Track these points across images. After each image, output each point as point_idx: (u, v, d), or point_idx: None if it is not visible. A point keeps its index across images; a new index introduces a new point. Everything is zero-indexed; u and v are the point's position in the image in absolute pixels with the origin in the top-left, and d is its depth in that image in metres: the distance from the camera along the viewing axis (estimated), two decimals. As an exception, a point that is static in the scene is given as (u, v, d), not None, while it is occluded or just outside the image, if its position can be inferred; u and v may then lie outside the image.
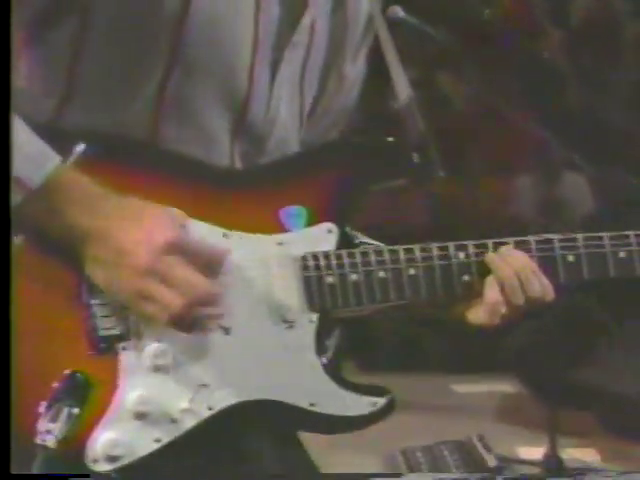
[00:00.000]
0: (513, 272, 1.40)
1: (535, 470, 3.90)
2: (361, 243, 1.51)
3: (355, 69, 1.52)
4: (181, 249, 1.28)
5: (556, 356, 4.15)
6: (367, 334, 5.48)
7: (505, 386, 5.15)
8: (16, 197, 1.25)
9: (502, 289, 1.40)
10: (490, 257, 1.41)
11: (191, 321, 1.29)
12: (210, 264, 1.30)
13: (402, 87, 1.43)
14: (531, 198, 6.11)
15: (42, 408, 1.26)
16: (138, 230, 1.28)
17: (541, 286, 1.41)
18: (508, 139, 6.36)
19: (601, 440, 4.34)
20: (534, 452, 4.03)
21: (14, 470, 1.25)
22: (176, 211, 1.31)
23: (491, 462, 3.91)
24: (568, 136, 3.99)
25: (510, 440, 4.32)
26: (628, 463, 3.96)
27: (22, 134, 1.28)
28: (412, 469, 3.90)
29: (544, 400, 4.19)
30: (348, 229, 1.42)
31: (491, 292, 1.40)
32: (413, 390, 5.15)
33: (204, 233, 1.34)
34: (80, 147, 1.31)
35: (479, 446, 4.04)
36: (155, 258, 1.26)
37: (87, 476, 1.33)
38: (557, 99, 6.51)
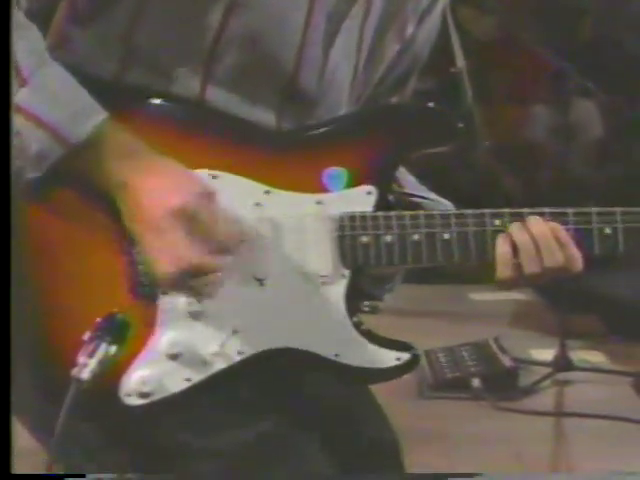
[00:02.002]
0: (529, 238, 1.35)
1: (546, 369, 3.95)
2: (418, 197, 1.50)
3: (422, 32, 1.47)
4: (191, 217, 1.26)
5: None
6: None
7: (519, 294, 5.15)
8: (58, 151, 1.24)
9: (517, 253, 1.35)
10: (512, 224, 1.36)
11: (182, 287, 1.28)
12: (219, 241, 1.28)
13: (459, 54, 1.41)
14: (546, 124, 6.10)
15: (84, 339, 1.26)
16: (160, 187, 1.26)
17: (565, 256, 1.35)
18: (526, 69, 6.34)
19: (607, 343, 4.37)
20: (545, 353, 4.07)
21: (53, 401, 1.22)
22: (207, 184, 1.29)
23: (506, 362, 3.93)
24: (583, 65, 3.97)
25: (523, 343, 4.34)
26: (633, 364, 4.01)
27: (68, 87, 1.27)
28: (434, 368, 3.94)
29: (555, 306, 4.22)
30: (391, 191, 1.39)
31: (501, 248, 1.36)
32: (435, 299, 5.21)
33: (247, 190, 1.32)
34: (142, 101, 1.32)
35: (495, 348, 4.07)
36: (162, 217, 1.25)
37: (82, 476, 1.33)
38: (573, 30, 6.47)
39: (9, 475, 1.26)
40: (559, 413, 3.65)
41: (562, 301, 4.05)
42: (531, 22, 6.27)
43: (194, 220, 1.26)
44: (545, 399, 3.78)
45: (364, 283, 1.39)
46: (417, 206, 1.47)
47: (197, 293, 1.29)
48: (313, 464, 1.35)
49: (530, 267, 1.35)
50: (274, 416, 1.35)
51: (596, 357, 4.22)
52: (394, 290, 1.43)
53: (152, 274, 1.27)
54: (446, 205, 1.49)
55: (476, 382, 3.75)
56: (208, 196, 1.28)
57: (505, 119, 6.48)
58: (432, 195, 1.52)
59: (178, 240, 1.25)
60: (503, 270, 1.36)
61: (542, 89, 6.28)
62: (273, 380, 1.35)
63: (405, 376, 4.16)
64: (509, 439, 3.41)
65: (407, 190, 1.51)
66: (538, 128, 6.15)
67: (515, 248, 1.36)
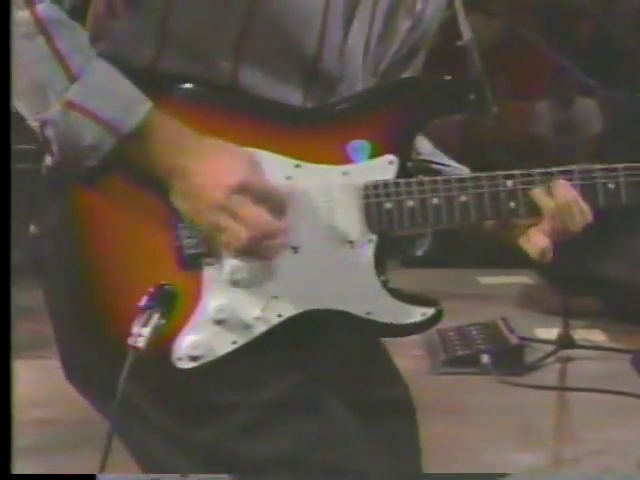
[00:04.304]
0: (557, 207, 1.35)
1: (550, 347, 3.97)
2: (435, 163, 1.50)
3: (430, 8, 1.48)
4: (251, 190, 1.27)
5: (570, 252, 4.17)
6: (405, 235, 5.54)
7: (524, 278, 5.20)
8: (109, 141, 1.25)
9: (546, 222, 1.35)
10: (537, 192, 1.36)
11: (257, 251, 1.29)
12: (275, 205, 1.29)
13: (465, 27, 1.40)
14: (549, 119, 6.09)
15: (140, 305, 1.27)
16: (216, 168, 1.27)
17: (582, 216, 1.36)
18: (530, 67, 6.33)
19: (608, 323, 4.39)
20: (549, 332, 4.09)
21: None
22: (253, 156, 1.31)
23: (513, 340, 3.95)
24: (583, 63, 3.95)
25: (529, 322, 4.36)
26: (631, 342, 4.02)
27: (115, 81, 1.28)
28: (446, 346, 3.97)
29: (558, 288, 4.25)
30: (410, 159, 1.38)
31: (539, 238, 1.36)
32: (446, 282, 5.20)
33: (279, 164, 1.33)
34: (179, 86, 1.32)
35: (503, 327, 4.09)
36: (228, 196, 1.26)
37: (93, 476, 1.33)
38: (574, 29, 6.46)
39: (9, 475, 1.24)
40: (562, 387, 3.69)
41: (565, 284, 4.08)
42: (534, 22, 6.26)
43: (254, 191, 1.28)
44: (549, 375, 3.81)
45: (397, 244, 1.39)
46: (436, 172, 1.48)
47: (268, 255, 1.31)
48: (339, 420, 1.37)
49: (556, 231, 1.36)
50: (302, 372, 1.37)
51: (597, 336, 4.23)
52: (426, 246, 1.44)
53: (221, 245, 1.29)
54: (462, 170, 1.50)
55: (485, 358, 3.78)
56: (257, 167, 1.30)
57: (511, 115, 6.47)
58: (448, 160, 1.53)
59: (249, 212, 1.26)
60: (540, 258, 1.38)
61: (545, 86, 6.27)
62: (304, 341, 1.37)
63: (419, 352, 4.18)
64: (515, 411, 3.45)
65: (425, 157, 1.52)
66: (541, 123, 6.14)
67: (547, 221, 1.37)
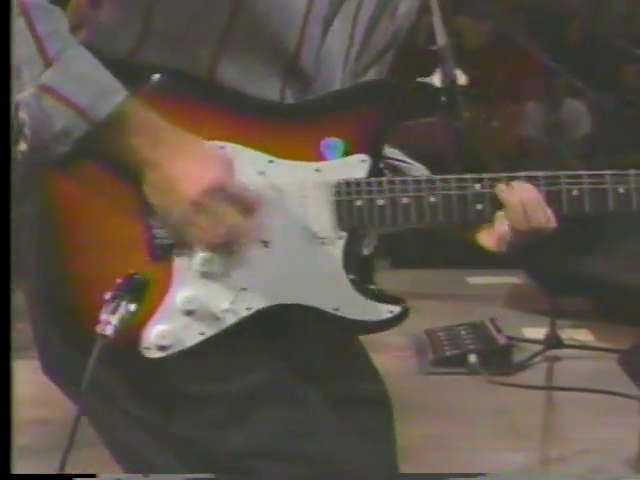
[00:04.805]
0: (519, 201, 1.37)
1: (538, 347, 3.97)
2: (398, 161, 1.51)
3: (403, 6, 1.49)
4: (224, 189, 1.27)
5: (558, 253, 4.18)
6: (395, 236, 5.54)
7: (512, 278, 5.21)
8: (82, 127, 1.24)
9: (508, 217, 1.38)
10: (500, 188, 1.38)
11: (226, 248, 1.30)
12: (245, 205, 1.29)
13: (441, 32, 1.41)
14: (538, 120, 6.12)
15: (106, 298, 1.26)
16: (191, 165, 1.27)
17: (545, 216, 1.38)
18: (519, 70, 6.35)
19: (595, 322, 4.41)
20: (537, 332, 4.09)
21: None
22: (227, 156, 1.31)
23: (501, 340, 3.95)
24: (572, 65, 3.96)
25: (517, 322, 4.37)
26: (618, 342, 4.02)
27: (92, 68, 1.27)
28: (434, 346, 3.97)
29: (546, 289, 4.25)
30: (380, 158, 1.40)
31: (500, 225, 1.38)
32: (434, 282, 5.23)
33: (252, 159, 1.34)
34: (156, 77, 1.31)
35: (491, 327, 4.09)
36: (201, 193, 1.26)
37: (93, 476, 1.34)
38: (562, 33, 6.48)
39: (9, 475, 1.24)
40: (550, 387, 3.68)
41: (553, 284, 4.07)
42: (522, 25, 6.27)
43: (226, 191, 1.28)
44: (537, 374, 3.81)
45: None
46: (395, 168, 1.49)
47: (236, 252, 1.32)
48: (314, 413, 1.38)
49: (518, 226, 1.38)
50: (274, 364, 1.37)
51: (584, 335, 4.24)
52: (372, 246, 1.45)
53: (191, 240, 1.30)
54: (419, 169, 1.52)
55: (473, 358, 3.78)
56: (230, 168, 1.31)
57: (500, 116, 6.49)
58: (407, 159, 1.55)
59: (221, 210, 1.27)
60: (500, 245, 1.40)
61: (534, 88, 6.28)
62: (275, 334, 1.38)
63: (408, 353, 4.19)
64: (503, 411, 3.45)
65: (389, 155, 1.52)
66: (531, 124, 6.16)
67: (508, 215, 1.39)
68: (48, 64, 1.24)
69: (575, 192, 1.40)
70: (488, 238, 1.41)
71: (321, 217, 1.36)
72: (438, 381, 3.77)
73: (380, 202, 1.37)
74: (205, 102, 1.34)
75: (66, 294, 1.31)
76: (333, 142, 1.37)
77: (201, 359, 1.32)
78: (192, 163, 1.27)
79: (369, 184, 1.38)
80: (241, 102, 1.34)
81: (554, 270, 4.07)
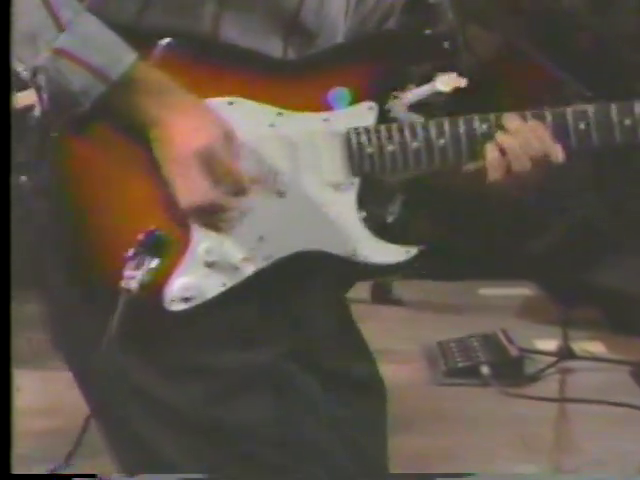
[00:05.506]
0: (511, 137, 1.39)
1: (550, 358, 3.96)
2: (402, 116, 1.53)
3: None
4: (213, 159, 1.30)
5: (569, 264, 4.17)
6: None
7: (524, 289, 5.16)
8: (99, 87, 1.29)
9: (503, 154, 1.39)
10: (497, 132, 1.40)
11: (202, 219, 1.32)
12: (232, 183, 1.32)
13: None
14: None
15: (128, 255, 1.29)
16: (188, 125, 1.30)
17: (545, 147, 1.39)
18: (528, 79, 6.34)
19: (608, 334, 4.37)
20: (549, 344, 4.08)
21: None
22: (229, 128, 1.33)
23: (513, 352, 3.94)
24: (580, 74, 3.96)
25: (529, 334, 4.34)
26: (631, 354, 4.01)
27: (103, 32, 1.31)
28: (446, 357, 3.96)
29: (558, 300, 4.25)
30: (387, 106, 1.42)
31: (490, 154, 1.40)
32: (446, 294, 5.22)
33: (262, 113, 1.37)
34: (163, 40, 1.35)
35: (503, 338, 4.07)
36: (187, 158, 1.29)
37: (93, 476, 1.36)
38: (571, 41, 6.47)
39: (9, 475, 1.25)
40: (562, 399, 3.67)
41: (565, 295, 4.08)
42: (532, 36, 6.27)
43: (215, 161, 1.30)
44: (549, 386, 3.80)
45: (368, 212, 1.42)
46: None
47: (213, 228, 1.34)
48: (306, 395, 1.39)
49: (516, 164, 1.39)
50: (276, 345, 1.39)
51: (596, 347, 4.22)
52: (397, 212, 1.46)
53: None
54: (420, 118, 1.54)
55: (485, 370, 3.77)
56: (229, 137, 1.33)
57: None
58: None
59: (198, 177, 1.29)
60: (493, 173, 1.41)
61: (543, 98, 6.27)
62: (288, 293, 1.39)
63: (420, 365, 4.15)
64: (516, 422, 3.44)
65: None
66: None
67: (503, 152, 1.40)
68: (61, 29, 1.29)
69: (582, 126, 1.41)
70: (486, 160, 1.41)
71: (333, 165, 1.39)
72: (450, 392, 3.75)
73: (390, 148, 1.39)
74: (211, 61, 1.38)
75: (88, 254, 1.34)
76: (339, 92, 1.40)
77: (205, 328, 1.34)
78: (190, 122, 1.31)
79: (378, 131, 1.40)
80: (246, 59, 1.38)
81: (566, 281, 4.07)
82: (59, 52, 1.29)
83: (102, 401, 1.36)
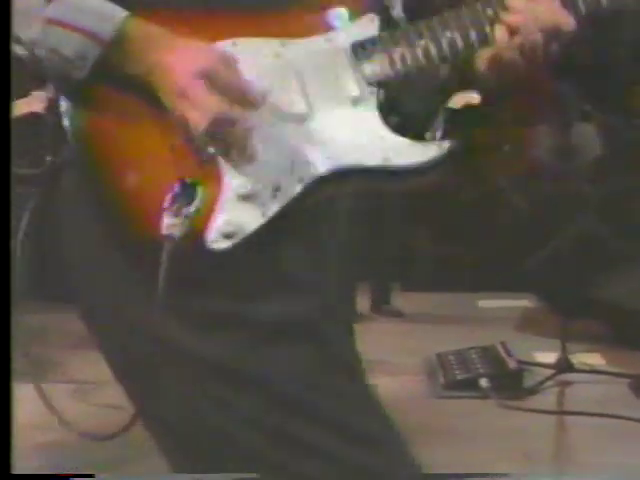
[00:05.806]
0: (517, 13, 1.39)
1: (549, 371, 3.96)
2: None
3: None
4: (213, 77, 1.31)
5: (570, 277, 4.18)
6: (406, 259, 5.55)
7: (524, 302, 5.18)
8: (95, 49, 1.30)
9: (514, 32, 1.39)
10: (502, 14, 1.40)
11: (218, 138, 1.32)
12: (239, 94, 1.32)
13: None
14: (549, 145, 6.12)
15: (164, 206, 1.30)
16: (184, 57, 1.32)
17: (555, 18, 1.39)
18: (530, 95, 6.36)
19: (607, 347, 4.38)
20: (548, 356, 4.08)
21: None
22: (225, 51, 1.35)
23: (511, 364, 3.94)
24: (581, 90, 3.97)
25: (528, 346, 4.34)
26: (630, 367, 4.01)
27: None
28: (445, 369, 3.96)
29: (557, 312, 4.23)
30: (389, 15, 1.44)
31: (500, 36, 1.40)
32: (445, 306, 5.23)
33: (264, 46, 1.38)
34: None
35: (501, 351, 4.08)
36: (188, 82, 1.30)
37: (92, 476, 1.34)
38: (571, 58, 6.46)
39: (9, 475, 1.24)
40: (561, 411, 3.67)
41: (564, 308, 4.07)
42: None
43: (218, 75, 1.31)
44: (548, 398, 3.80)
45: (415, 131, 1.43)
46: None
47: (232, 146, 1.34)
48: (337, 347, 1.41)
49: (528, 40, 1.39)
50: (308, 298, 1.39)
51: (595, 360, 4.22)
52: (441, 129, 1.45)
53: (191, 135, 1.32)
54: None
55: (484, 382, 3.77)
56: (227, 59, 1.34)
57: (512, 140, 6.50)
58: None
59: (205, 95, 1.30)
60: (507, 53, 1.41)
61: (545, 112, 6.29)
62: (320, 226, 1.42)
63: (419, 377, 4.13)
64: (515, 435, 3.43)
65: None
66: (542, 147, 6.17)
67: (513, 31, 1.40)
68: (49, 0, 1.31)
69: None
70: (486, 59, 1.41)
71: (347, 78, 1.40)
72: (449, 405, 3.76)
73: (398, 50, 1.41)
74: (204, 6, 1.38)
75: (124, 215, 1.34)
76: (337, 11, 1.41)
77: (248, 271, 1.34)
78: (184, 55, 1.32)
79: (382, 37, 1.41)
80: (242, 2, 1.38)
81: (566, 294, 4.06)
82: (50, 21, 1.30)
83: (148, 366, 1.37)
